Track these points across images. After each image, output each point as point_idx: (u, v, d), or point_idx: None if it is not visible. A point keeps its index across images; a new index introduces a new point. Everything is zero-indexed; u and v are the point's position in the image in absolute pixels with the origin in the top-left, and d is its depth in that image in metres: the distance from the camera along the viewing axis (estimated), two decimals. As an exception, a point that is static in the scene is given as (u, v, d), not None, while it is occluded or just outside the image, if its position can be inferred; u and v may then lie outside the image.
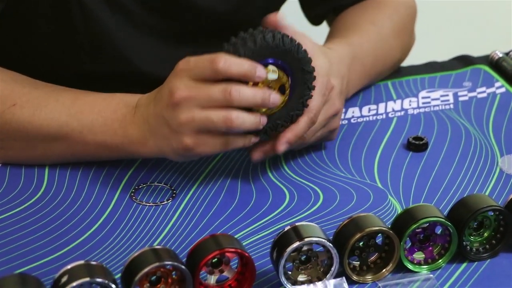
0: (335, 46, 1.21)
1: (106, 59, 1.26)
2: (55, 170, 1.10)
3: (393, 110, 1.26)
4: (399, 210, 1.04)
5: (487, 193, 1.08)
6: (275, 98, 1.02)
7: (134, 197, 1.05)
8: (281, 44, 1.02)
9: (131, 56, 1.28)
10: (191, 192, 1.07)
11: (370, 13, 1.34)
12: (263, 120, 1.02)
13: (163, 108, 1.02)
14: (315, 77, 1.05)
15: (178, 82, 1.02)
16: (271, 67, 1.03)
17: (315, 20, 1.45)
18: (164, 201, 1.05)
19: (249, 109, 1.01)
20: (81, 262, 0.86)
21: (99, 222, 1.01)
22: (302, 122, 1.06)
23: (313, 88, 1.05)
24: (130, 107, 1.07)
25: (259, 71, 1.01)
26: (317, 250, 0.92)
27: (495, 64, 1.36)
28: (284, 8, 1.43)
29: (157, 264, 0.86)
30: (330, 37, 1.32)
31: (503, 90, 1.30)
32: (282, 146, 1.05)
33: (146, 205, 1.04)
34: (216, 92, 1.00)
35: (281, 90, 1.04)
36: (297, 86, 1.04)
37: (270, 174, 1.11)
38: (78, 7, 1.21)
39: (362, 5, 1.38)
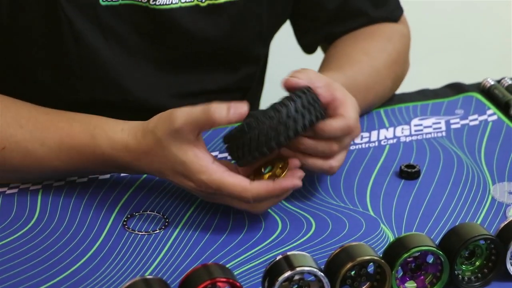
0: (329, 74, 1.21)
1: (99, 87, 1.26)
2: (47, 199, 1.10)
3: (386, 138, 1.26)
4: (391, 239, 1.04)
5: (479, 221, 1.08)
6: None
7: (126, 226, 1.05)
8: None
9: (125, 83, 1.28)
10: (183, 221, 1.07)
11: (363, 43, 1.35)
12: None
13: (176, 175, 1.04)
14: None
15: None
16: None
17: (308, 48, 1.46)
18: (156, 230, 1.05)
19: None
20: (73, 292, 0.86)
21: (91, 251, 1.01)
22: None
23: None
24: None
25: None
26: (308, 279, 0.92)
27: (487, 91, 1.37)
28: (278, 36, 1.44)
29: (148, 294, 0.86)
30: (324, 66, 1.32)
31: (495, 117, 1.31)
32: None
33: (138, 234, 1.04)
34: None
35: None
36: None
37: (262, 203, 1.11)
38: (70, 34, 1.21)
39: (356, 34, 1.38)
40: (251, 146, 1.01)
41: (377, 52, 1.33)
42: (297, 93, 1.02)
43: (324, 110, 1.04)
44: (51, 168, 1.10)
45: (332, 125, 1.05)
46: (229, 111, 1.00)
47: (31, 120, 1.12)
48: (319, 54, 1.48)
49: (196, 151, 1.02)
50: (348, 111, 1.06)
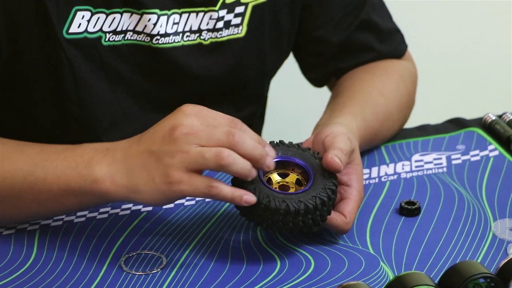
0: (351, 121, 1.21)
1: (99, 129, 1.26)
2: (45, 239, 1.09)
3: (386, 174, 1.26)
4: (391, 277, 1.03)
5: (480, 259, 1.07)
6: (270, 162, 1.02)
7: (124, 266, 1.05)
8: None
9: (126, 125, 1.28)
10: (181, 260, 1.06)
11: (378, 81, 1.34)
12: (253, 172, 1.02)
13: (156, 143, 1.02)
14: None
15: (183, 119, 1.02)
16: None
17: (317, 82, 1.46)
18: (154, 270, 1.05)
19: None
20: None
21: (88, 292, 1.01)
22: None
23: (336, 186, 1.07)
24: (98, 151, 1.06)
25: (269, 161, 1.02)
26: (306, 319, 0.91)
27: (488, 126, 1.36)
28: (283, 71, 1.43)
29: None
30: (340, 104, 1.28)
31: (496, 153, 1.30)
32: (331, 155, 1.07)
33: (136, 274, 1.04)
34: (219, 132, 1.01)
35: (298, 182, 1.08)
36: (318, 180, 1.06)
37: (261, 241, 1.10)
38: (71, 75, 1.21)
39: (367, 69, 1.37)
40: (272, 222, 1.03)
41: (392, 93, 1.32)
42: (328, 185, 1.05)
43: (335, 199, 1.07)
44: (22, 174, 1.06)
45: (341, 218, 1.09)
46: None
47: (17, 142, 1.12)
48: (317, 89, 1.48)
49: None
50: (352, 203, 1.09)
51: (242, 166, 1.01)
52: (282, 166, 1.08)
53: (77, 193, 1.05)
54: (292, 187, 1.07)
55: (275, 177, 1.07)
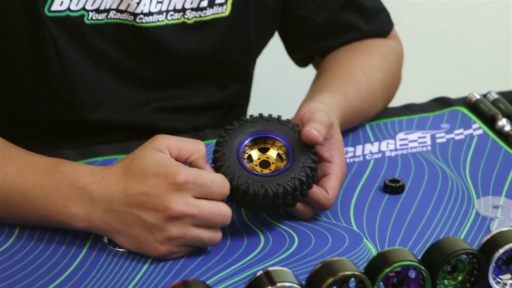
0: (331, 99, 1.20)
1: (82, 107, 1.25)
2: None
3: (371, 153, 1.26)
4: (374, 253, 1.04)
5: (463, 236, 1.07)
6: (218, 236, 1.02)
7: (107, 242, 1.05)
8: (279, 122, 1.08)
9: (109, 102, 1.28)
10: (165, 237, 1.06)
11: (362, 60, 1.34)
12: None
13: (146, 211, 0.98)
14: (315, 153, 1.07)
15: (178, 197, 0.98)
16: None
17: (301, 62, 1.45)
18: (137, 246, 1.05)
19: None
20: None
21: (72, 268, 1.00)
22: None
23: (316, 160, 1.07)
24: (75, 187, 1.01)
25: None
26: (289, 295, 0.91)
27: (473, 105, 1.36)
28: (269, 50, 1.43)
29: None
30: (323, 82, 1.29)
31: (480, 131, 1.31)
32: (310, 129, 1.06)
33: (120, 250, 1.04)
34: (208, 213, 1.00)
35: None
36: (297, 157, 1.06)
37: (245, 218, 1.10)
38: (55, 54, 1.21)
39: (353, 48, 1.37)
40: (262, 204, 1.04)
41: (375, 71, 1.32)
42: (306, 163, 1.05)
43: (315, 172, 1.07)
44: (0, 195, 1.04)
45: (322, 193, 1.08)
46: None
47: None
48: (304, 68, 1.48)
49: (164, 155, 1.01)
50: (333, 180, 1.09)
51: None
52: (263, 141, 1.08)
53: (55, 223, 1.04)
54: (273, 163, 1.06)
55: (255, 154, 1.07)
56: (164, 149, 1.00)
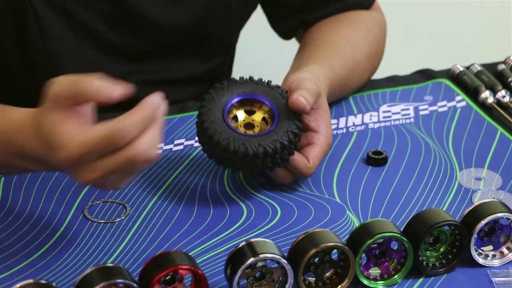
0: (318, 70, 1.19)
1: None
2: (9, 187, 1.08)
3: (354, 125, 1.25)
4: (357, 225, 1.04)
5: (445, 207, 1.08)
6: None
7: (87, 215, 1.04)
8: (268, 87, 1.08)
9: (91, 74, 1.26)
10: (147, 209, 1.06)
11: (346, 31, 1.32)
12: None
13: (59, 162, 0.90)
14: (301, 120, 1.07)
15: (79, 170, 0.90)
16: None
17: (285, 35, 1.44)
18: (118, 218, 1.04)
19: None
20: (30, 281, 0.85)
21: (52, 240, 1.00)
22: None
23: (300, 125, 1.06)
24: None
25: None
26: (272, 266, 0.91)
27: (456, 78, 1.36)
28: (252, 23, 1.42)
29: (107, 282, 0.85)
30: (308, 54, 1.27)
31: (463, 104, 1.30)
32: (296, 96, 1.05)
33: (100, 222, 1.03)
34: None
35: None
36: (282, 122, 1.05)
37: (228, 190, 1.10)
38: (36, 26, 1.20)
39: (336, 19, 1.36)
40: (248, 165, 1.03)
41: (360, 42, 1.31)
42: (290, 128, 1.05)
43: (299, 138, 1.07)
44: None
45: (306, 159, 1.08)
46: (99, 89, 0.90)
47: None
48: (288, 42, 1.47)
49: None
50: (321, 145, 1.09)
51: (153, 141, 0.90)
52: (250, 104, 1.07)
53: None
54: (258, 126, 1.06)
55: (241, 115, 1.07)
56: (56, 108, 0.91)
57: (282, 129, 1.04)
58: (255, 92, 1.07)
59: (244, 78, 1.08)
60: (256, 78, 1.10)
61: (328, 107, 1.13)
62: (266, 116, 1.07)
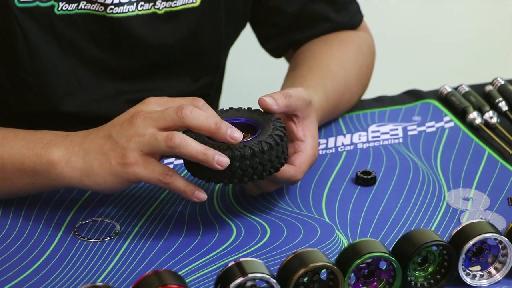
0: (313, 95, 1.19)
1: (53, 98, 1.25)
2: (-1, 205, 1.09)
3: (343, 144, 1.26)
4: (346, 245, 1.04)
5: (433, 228, 1.08)
6: (233, 132, 1.01)
7: (77, 234, 1.04)
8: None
9: (80, 94, 1.27)
10: (136, 229, 1.06)
11: (336, 52, 1.33)
12: (211, 152, 1.00)
13: (115, 128, 1.03)
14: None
15: (143, 107, 1.04)
16: None
17: (274, 53, 1.45)
18: (108, 237, 1.04)
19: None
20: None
21: (42, 259, 1.00)
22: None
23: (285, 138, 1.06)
24: (59, 136, 1.06)
25: (231, 132, 1.01)
26: (261, 286, 0.92)
27: (444, 98, 1.37)
28: (241, 41, 1.43)
29: (97, 301, 0.85)
30: (301, 76, 1.28)
31: (451, 124, 1.31)
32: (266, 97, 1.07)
33: (90, 241, 1.03)
34: (170, 110, 1.02)
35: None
36: (265, 130, 1.06)
37: (217, 209, 1.11)
38: (25, 45, 1.20)
39: (325, 39, 1.37)
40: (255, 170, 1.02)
41: (351, 64, 1.32)
42: (275, 132, 1.04)
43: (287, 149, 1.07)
44: None
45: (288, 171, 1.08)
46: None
47: None
48: (278, 60, 1.48)
49: None
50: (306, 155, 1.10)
51: (195, 148, 1.00)
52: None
53: (31, 173, 1.05)
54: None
55: None
56: None
57: (267, 133, 1.04)
58: (235, 116, 1.08)
59: (224, 109, 1.09)
60: (240, 104, 1.11)
61: (315, 119, 1.14)
62: (248, 135, 1.06)
